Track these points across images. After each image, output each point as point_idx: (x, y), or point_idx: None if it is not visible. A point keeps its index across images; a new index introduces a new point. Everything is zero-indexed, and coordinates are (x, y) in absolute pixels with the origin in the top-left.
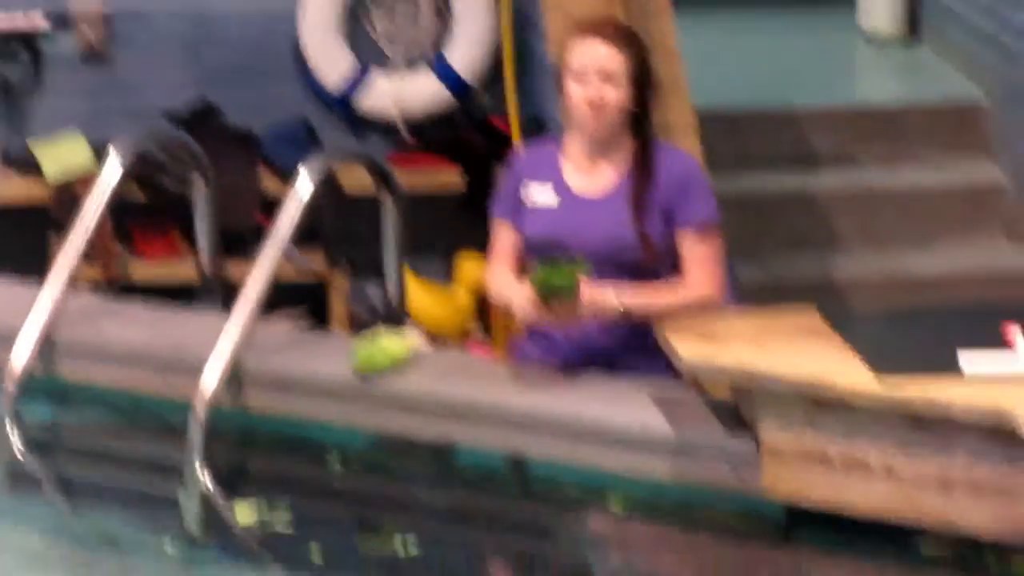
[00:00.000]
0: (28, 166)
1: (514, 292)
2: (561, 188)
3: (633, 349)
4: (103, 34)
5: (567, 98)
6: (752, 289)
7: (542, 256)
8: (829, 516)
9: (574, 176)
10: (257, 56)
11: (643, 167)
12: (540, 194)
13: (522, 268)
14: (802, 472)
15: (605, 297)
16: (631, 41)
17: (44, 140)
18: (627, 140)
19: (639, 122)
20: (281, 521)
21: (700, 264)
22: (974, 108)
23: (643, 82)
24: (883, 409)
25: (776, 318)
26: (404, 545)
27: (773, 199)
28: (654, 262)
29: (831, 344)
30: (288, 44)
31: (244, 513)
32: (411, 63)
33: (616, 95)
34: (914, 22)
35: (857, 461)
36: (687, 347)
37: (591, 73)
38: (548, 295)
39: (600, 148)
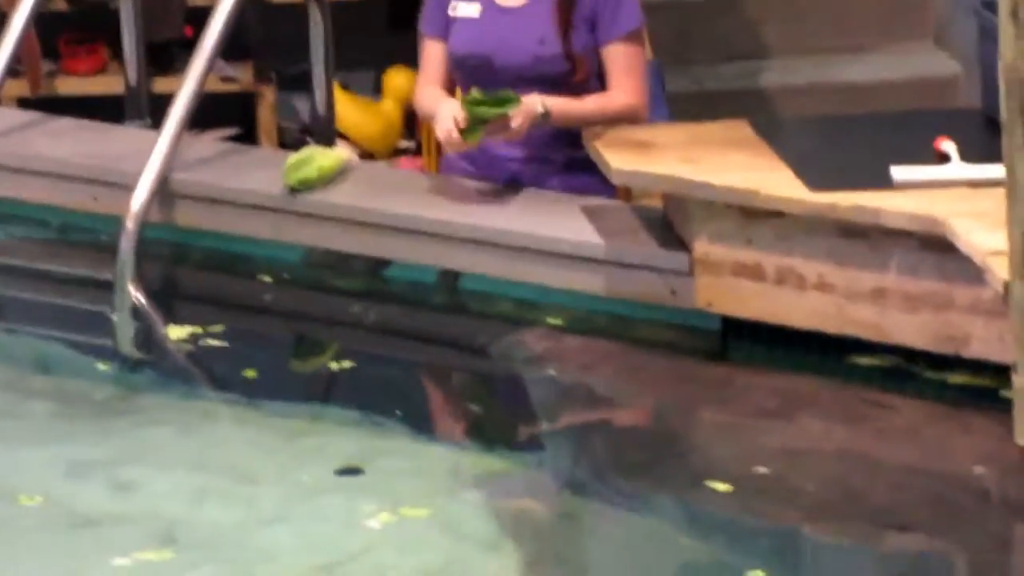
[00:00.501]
0: None
1: (440, 112)
2: None
3: (555, 167)
4: None
5: None
6: (681, 99)
7: (475, 81)
8: (763, 328)
9: None
10: None
11: None
12: (462, 7)
13: (451, 84)
14: (735, 284)
15: (530, 105)
16: None
17: None
18: None
19: None
20: (214, 338)
21: (626, 73)
22: None
23: None
24: (815, 217)
25: (707, 129)
26: (337, 360)
27: (702, 5)
28: (580, 76)
29: (762, 154)
30: None
31: (176, 330)
32: None
33: None
34: None
35: (790, 272)
36: (618, 157)
37: None
38: (476, 124)
39: None
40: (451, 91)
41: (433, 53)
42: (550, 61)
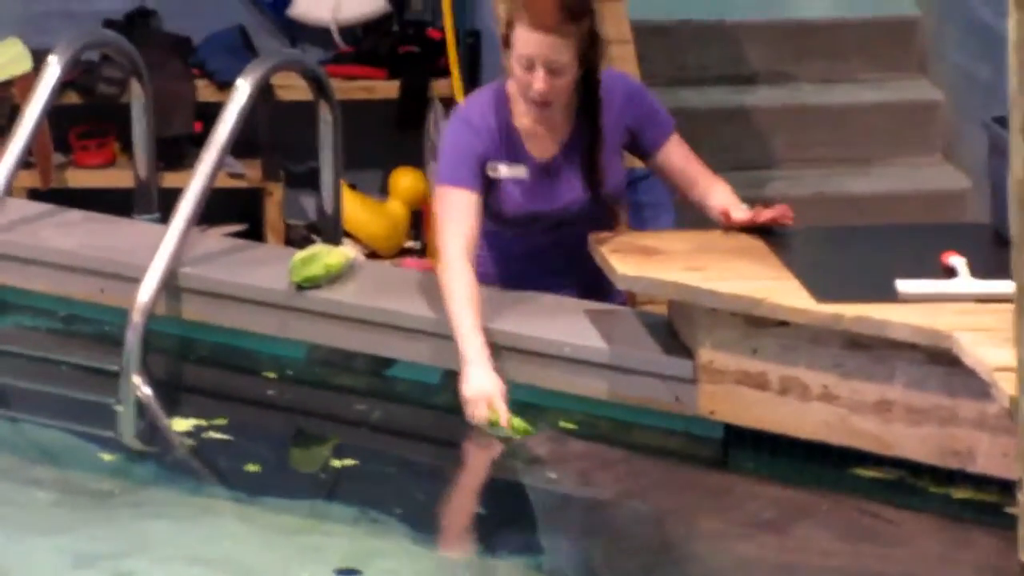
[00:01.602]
0: None
1: (475, 388)
2: (524, 157)
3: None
4: None
5: (512, 75)
6: (688, 207)
7: (520, 229)
8: (766, 437)
9: (532, 140)
10: None
11: (594, 126)
12: (506, 169)
13: (475, 241)
14: (739, 393)
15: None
16: (577, 17)
17: None
18: (573, 96)
19: (586, 82)
20: (217, 432)
21: (697, 160)
22: (908, 21)
23: (591, 52)
24: (820, 328)
25: (713, 237)
26: (339, 457)
27: (707, 115)
28: (619, 206)
29: (768, 264)
30: None
31: (180, 423)
32: None
33: (564, 83)
34: None
35: (795, 382)
36: (624, 262)
37: (538, 65)
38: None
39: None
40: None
41: (466, 204)
42: (597, 205)
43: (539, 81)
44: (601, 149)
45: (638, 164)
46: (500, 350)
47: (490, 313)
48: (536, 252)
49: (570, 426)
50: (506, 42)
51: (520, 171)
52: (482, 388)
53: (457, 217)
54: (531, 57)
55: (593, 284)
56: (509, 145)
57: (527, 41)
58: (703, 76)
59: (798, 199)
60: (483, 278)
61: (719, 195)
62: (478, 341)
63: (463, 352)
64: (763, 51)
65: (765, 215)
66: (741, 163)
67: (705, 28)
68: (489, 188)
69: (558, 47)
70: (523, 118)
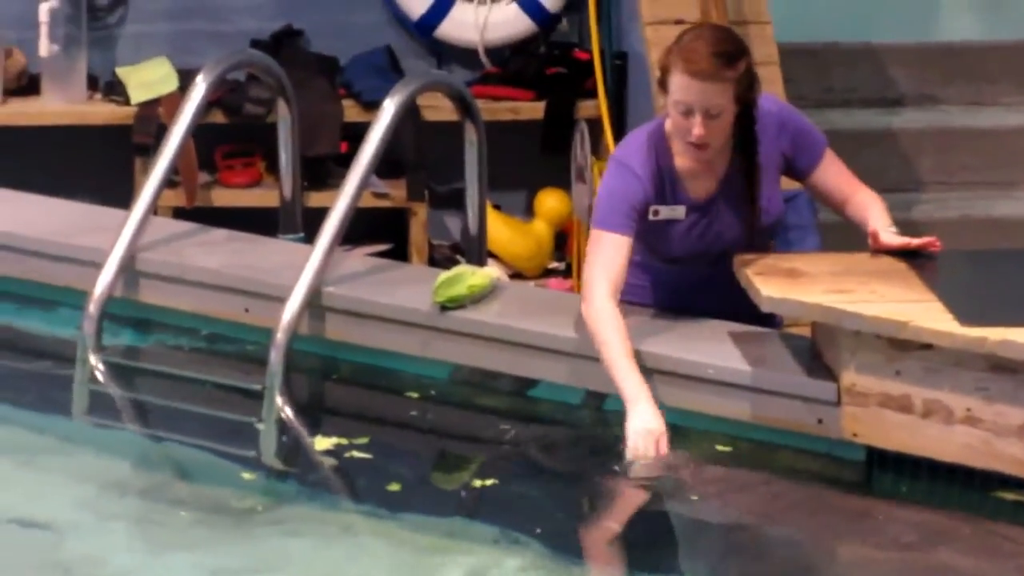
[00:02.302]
0: (115, 91)
1: (638, 426)
2: (684, 198)
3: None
4: None
5: (670, 120)
6: (833, 228)
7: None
8: (907, 460)
9: (691, 180)
10: None
11: (752, 158)
12: (666, 210)
13: (622, 283)
14: (882, 416)
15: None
16: (733, 61)
17: (131, 65)
18: (731, 133)
19: (743, 115)
20: (358, 451)
21: (850, 178)
22: None
23: (748, 92)
24: (964, 351)
25: (858, 259)
26: (480, 477)
27: (854, 136)
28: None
29: (912, 286)
30: None
31: (321, 442)
32: None
33: (721, 125)
34: None
35: (938, 406)
36: (768, 285)
37: (696, 111)
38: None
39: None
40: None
41: (616, 247)
42: (759, 234)
43: (697, 127)
44: (760, 184)
45: (782, 186)
46: (644, 371)
47: (635, 334)
48: (695, 285)
49: (722, 448)
50: (662, 85)
51: (679, 212)
52: (649, 425)
53: (606, 261)
54: (689, 104)
55: (751, 313)
56: (668, 187)
57: (684, 88)
58: (850, 98)
59: (943, 222)
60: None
61: (873, 215)
62: (638, 378)
63: (625, 391)
64: (910, 73)
65: (913, 244)
66: (887, 185)
67: (852, 50)
68: (649, 228)
69: (715, 93)
70: (680, 158)
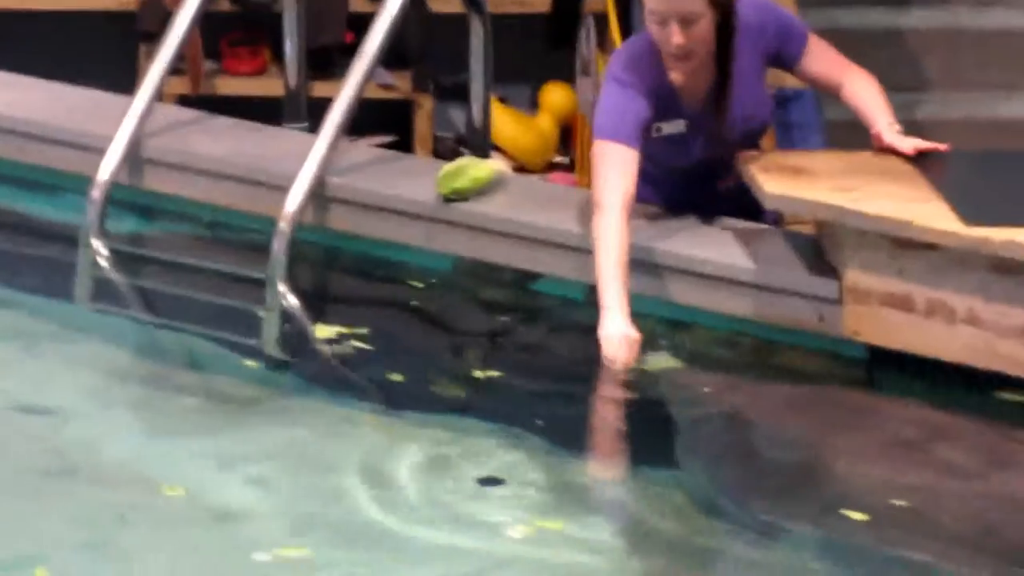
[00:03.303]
0: None
1: (611, 331)
2: (681, 111)
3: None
4: None
5: (651, 32)
6: (837, 127)
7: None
8: (909, 359)
9: (685, 92)
10: None
11: (729, 63)
12: (668, 126)
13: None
14: (885, 315)
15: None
16: None
17: None
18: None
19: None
20: (360, 341)
21: (839, 62)
22: None
23: None
24: (968, 251)
25: (862, 157)
26: (482, 369)
27: (861, 36)
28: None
29: (917, 186)
30: None
31: (323, 330)
32: None
33: (700, 31)
34: None
35: (940, 306)
36: (772, 182)
37: (671, 20)
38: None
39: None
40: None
41: (626, 160)
42: (750, 133)
43: (676, 35)
44: (736, 94)
45: (787, 84)
46: (645, 266)
47: (638, 228)
48: (693, 180)
49: (723, 345)
50: None
51: (679, 125)
52: (622, 330)
53: (619, 172)
54: (662, 13)
55: (747, 203)
56: (665, 102)
57: None
58: None
59: (949, 123)
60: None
61: (870, 103)
62: (620, 290)
63: (604, 298)
64: None
65: (921, 147)
66: (893, 85)
67: None
68: (653, 145)
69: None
70: (672, 67)
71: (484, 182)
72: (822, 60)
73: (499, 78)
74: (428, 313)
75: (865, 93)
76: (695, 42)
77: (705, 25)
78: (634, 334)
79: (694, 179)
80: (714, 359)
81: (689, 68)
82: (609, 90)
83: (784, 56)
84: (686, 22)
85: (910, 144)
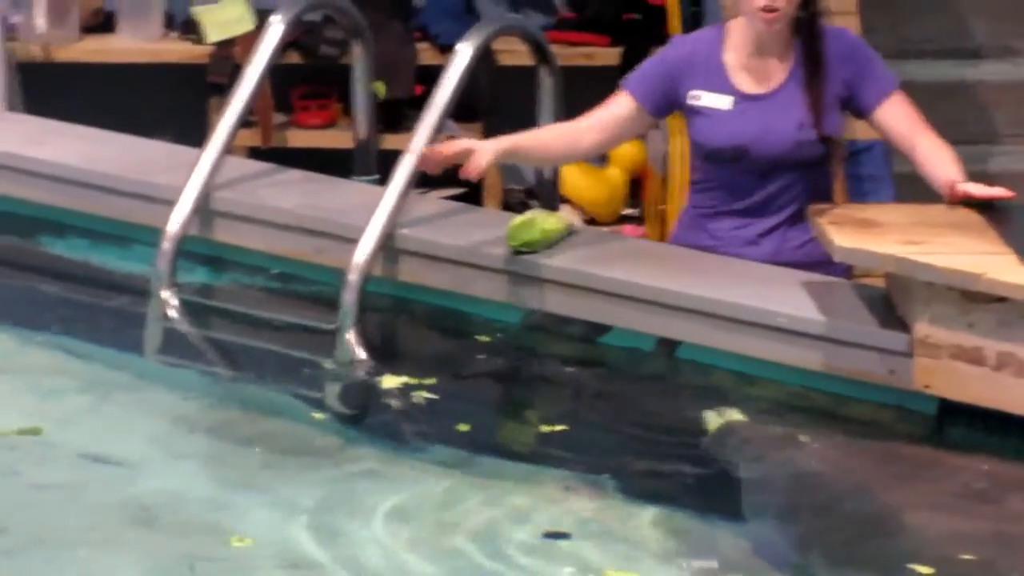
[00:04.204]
0: (191, 30)
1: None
2: (730, 88)
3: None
4: None
5: None
6: (908, 180)
7: (727, 169)
8: (981, 412)
9: (741, 74)
10: None
11: (815, 59)
12: (708, 98)
13: (608, 136)
14: (955, 368)
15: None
16: None
17: (207, 4)
18: (792, 29)
19: (807, 7)
20: (428, 392)
21: (919, 121)
22: None
23: None
24: None
25: (932, 210)
26: (550, 422)
27: (930, 88)
28: (835, 156)
29: (987, 238)
30: None
31: (390, 380)
32: None
33: None
34: None
35: (1010, 359)
36: (842, 235)
37: None
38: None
39: (768, 41)
40: (601, 146)
41: (624, 110)
42: (809, 145)
43: None
44: (820, 86)
45: (859, 136)
46: (715, 318)
47: (704, 279)
48: (748, 206)
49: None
50: None
51: (724, 101)
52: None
53: (602, 110)
54: None
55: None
56: (713, 75)
57: None
58: (926, 49)
59: (1018, 175)
60: (694, 238)
61: (942, 163)
62: (514, 136)
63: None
64: (987, 25)
65: (990, 193)
66: (963, 138)
67: (929, 1)
68: (691, 115)
69: None
70: (735, 52)
71: (553, 235)
72: (902, 115)
73: None
74: (496, 365)
75: (943, 155)
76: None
77: None
78: (474, 145)
79: (754, 210)
80: (783, 412)
81: (774, 26)
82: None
83: (863, 96)
84: None
85: (982, 188)
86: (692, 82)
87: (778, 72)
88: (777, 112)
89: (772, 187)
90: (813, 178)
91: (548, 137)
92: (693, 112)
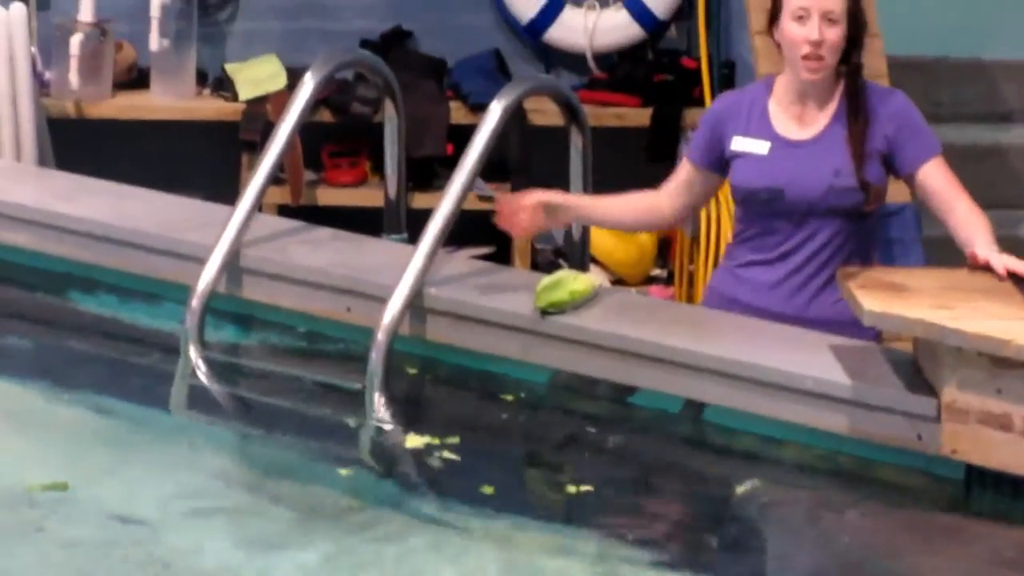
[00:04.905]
0: (224, 87)
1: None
2: (769, 134)
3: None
4: None
5: (784, 37)
6: (938, 244)
7: (764, 214)
8: (1008, 479)
9: (782, 120)
10: None
11: (856, 108)
12: (748, 143)
13: (682, 208)
14: (983, 434)
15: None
16: None
17: (240, 62)
18: (834, 80)
19: (849, 61)
20: (454, 452)
21: (956, 186)
22: None
23: (859, 17)
24: None
25: (962, 275)
26: (576, 483)
27: (963, 152)
28: (872, 206)
29: (1016, 304)
30: None
31: (413, 439)
32: None
33: (837, 36)
34: None
35: None
36: (871, 299)
37: (814, 13)
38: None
39: (811, 89)
40: (679, 212)
41: (686, 175)
42: (845, 192)
43: (814, 30)
44: (861, 135)
45: (889, 199)
46: (743, 380)
47: (731, 341)
48: (783, 253)
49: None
50: (774, 16)
51: (762, 146)
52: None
53: (672, 179)
54: (806, 7)
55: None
56: (755, 122)
57: None
58: (959, 113)
59: None
60: (729, 303)
61: (974, 230)
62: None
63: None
64: (1019, 89)
65: (1008, 266)
66: (994, 201)
67: (962, 65)
68: (733, 165)
69: None
70: (779, 100)
71: (582, 295)
72: (941, 178)
73: (598, 190)
74: (523, 425)
75: (972, 218)
76: (829, 46)
77: (840, 32)
78: (533, 199)
79: (788, 260)
80: (810, 476)
81: (818, 73)
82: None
83: (904, 156)
84: (827, 20)
85: (1003, 262)
86: (735, 129)
87: (819, 120)
88: (814, 157)
89: (807, 236)
90: (850, 232)
91: (620, 200)
92: (734, 157)
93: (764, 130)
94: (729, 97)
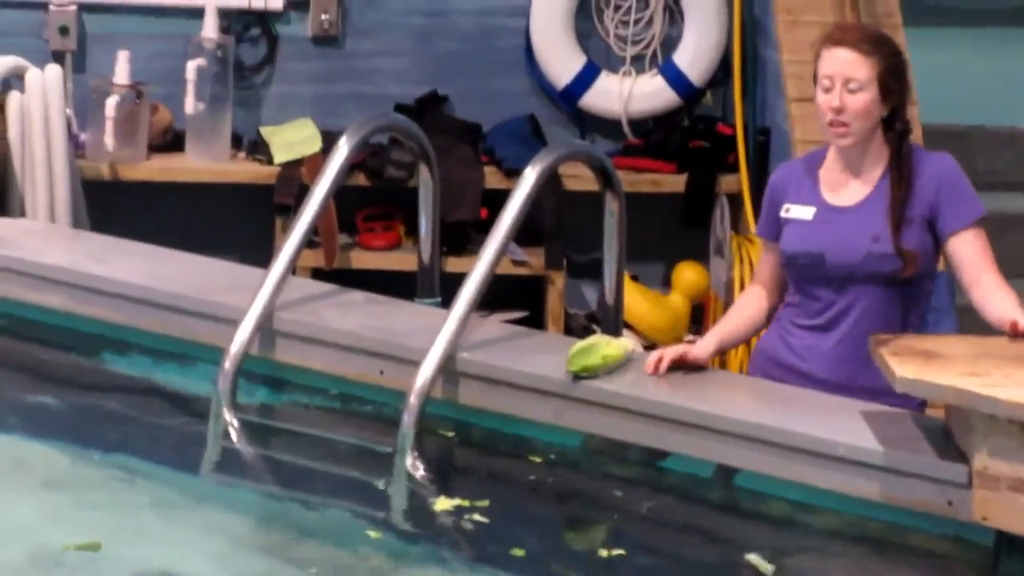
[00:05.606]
0: (258, 151)
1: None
2: (817, 200)
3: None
4: (337, 17)
5: (816, 107)
6: (971, 311)
7: (806, 277)
8: None
9: (830, 186)
10: (487, 49)
11: (899, 174)
12: (797, 209)
13: (781, 284)
14: (1014, 501)
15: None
16: (879, 45)
17: (275, 125)
18: (882, 147)
19: (892, 127)
20: (480, 513)
21: (987, 262)
22: None
23: (894, 86)
24: None
25: (994, 342)
26: (607, 547)
27: (997, 220)
28: (910, 272)
29: None
30: (518, 39)
31: (443, 502)
32: (639, 64)
33: (860, 103)
34: None
35: None
36: (903, 365)
37: (837, 82)
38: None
39: (855, 156)
40: (783, 291)
41: (766, 254)
42: (883, 258)
43: (835, 98)
44: (903, 202)
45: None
46: (774, 447)
47: (763, 407)
48: (826, 320)
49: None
50: (815, 82)
51: (808, 212)
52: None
53: (760, 267)
54: (830, 75)
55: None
56: (806, 189)
57: (827, 60)
58: (994, 181)
59: None
60: (775, 365)
61: (1002, 303)
62: (714, 332)
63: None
64: None
65: None
66: None
67: (997, 134)
68: (783, 230)
69: (854, 63)
70: (829, 168)
71: (615, 360)
72: (972, 247)
73: (632, 256)
74: (554, 489)
75: (998, 294)
76: (852, 112)
77: (865, 99)
78: (680, 349)
79: (832, 325)
80: (841, 542)
81: (844, 140)
82: None
83: (943, 219)
84: (849, 90)
85: None
86: (787, 198)
87: (864, 186)
88: (855, 223)
89: (850, 302)
90: (894, 298)
91: (739, 313)
92: (784, 223)
93: (813, 197)
94: (784, 167)
